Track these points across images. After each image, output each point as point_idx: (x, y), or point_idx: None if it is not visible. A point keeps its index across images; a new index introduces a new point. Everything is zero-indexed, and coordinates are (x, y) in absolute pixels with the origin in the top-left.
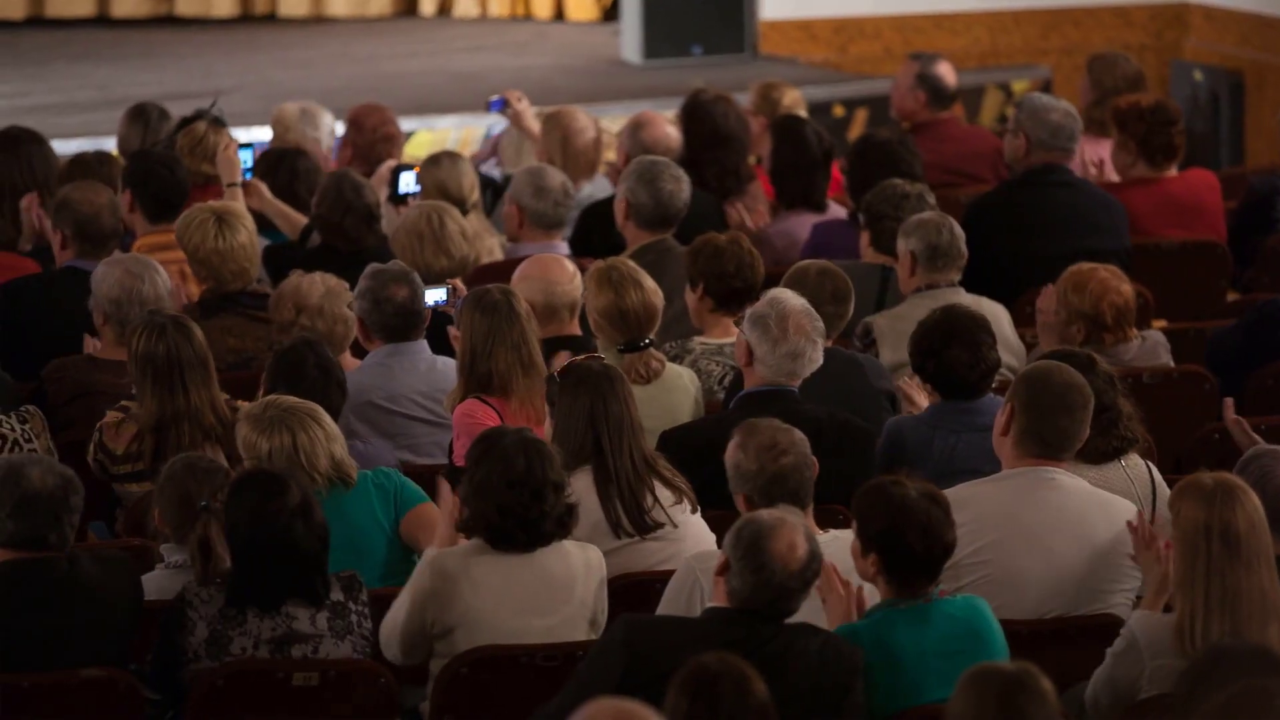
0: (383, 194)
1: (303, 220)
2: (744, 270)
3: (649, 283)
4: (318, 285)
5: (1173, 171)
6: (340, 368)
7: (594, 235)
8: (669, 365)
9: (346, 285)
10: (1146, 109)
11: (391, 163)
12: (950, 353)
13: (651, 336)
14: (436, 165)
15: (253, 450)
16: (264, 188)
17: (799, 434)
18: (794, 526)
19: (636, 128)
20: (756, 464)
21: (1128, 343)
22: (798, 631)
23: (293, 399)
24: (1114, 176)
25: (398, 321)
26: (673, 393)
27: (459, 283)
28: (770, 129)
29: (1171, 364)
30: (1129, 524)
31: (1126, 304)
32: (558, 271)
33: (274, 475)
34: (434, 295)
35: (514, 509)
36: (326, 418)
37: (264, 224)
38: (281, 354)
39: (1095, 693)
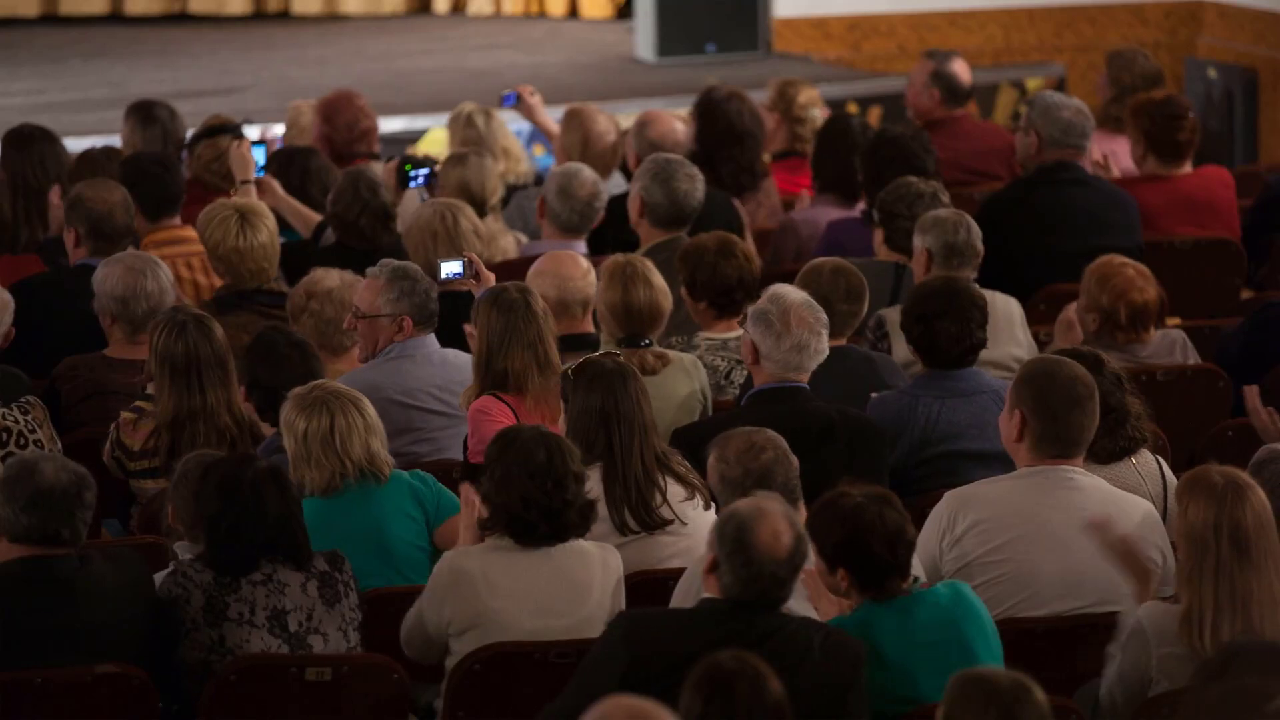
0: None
1: (316, 217)
2: (745, 279)
3: (659, 283)
4: (333, 275)
5: (1187, 168)
6: (311, 345)
7: (607, 230)
8: (671, 356)
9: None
10: (1155, 105)
11: (395, 161)
12: (940, 323)
13: (652, 337)
14: (462, 163)
15: (290, 428)
16: (276, 185)
17: (773, 433)
18: (776, 514)
19: (643, 126)
20: (739, 468)
21: (1137, 344)
22: (801, 625)
23: (341, 385)
24: (1120, 171)
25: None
26: (674, 375)
27: (475, 256)
28: (821, 129)
29: (1192, 361)
30: (1089, 523)
31: (1146, 305)
32: (571, 267)
33: (238, 456)
34: (450, 268)
35: (537, 499)
36: (370, 409)
37: (279, 223)
38: (252, 344)
39: (1109, 691)
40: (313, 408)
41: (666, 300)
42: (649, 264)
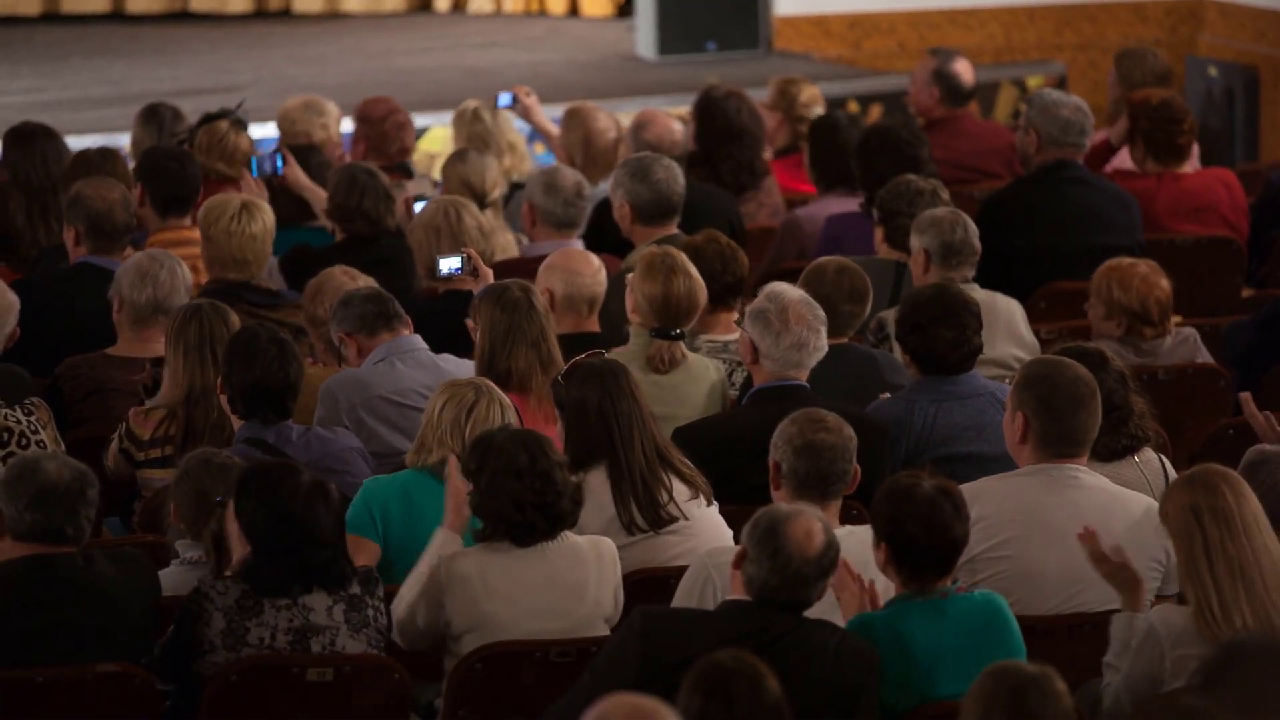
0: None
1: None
2: (731, 265)
3: (696, 275)
4: (360, 284)
5: (1187, 167)
6: (294, 345)
7: (606, 228)
8: (692, 355)
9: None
10: (1153, 107)
11: (406, 197)
12: (936, 330)
13: (684, 329)
14: (463, 160)
15: (431, 404)
16: (299, 171)
17: (851, 431)
18: (810, 516)
19: (639, 128)
20: (797, 428)
21: (1163, 338)
22: (815, 627)
23: (495, 386)
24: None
25: (369, 308)
26: (697, 382)
27: (474, 252)
28: (809, 131)
29: (1208, 360)
30: (1079, 535)
31: (1168, 299)
32: (583, 264)
33: (280, 464)
34: (449, 264)
35: (528, 497)
36: (514, 418)
37: (289, 220)
38: (235, 335)
39: (1116, 698)
40: (459, 390)
41: (703, 291)
42: (684, 255)
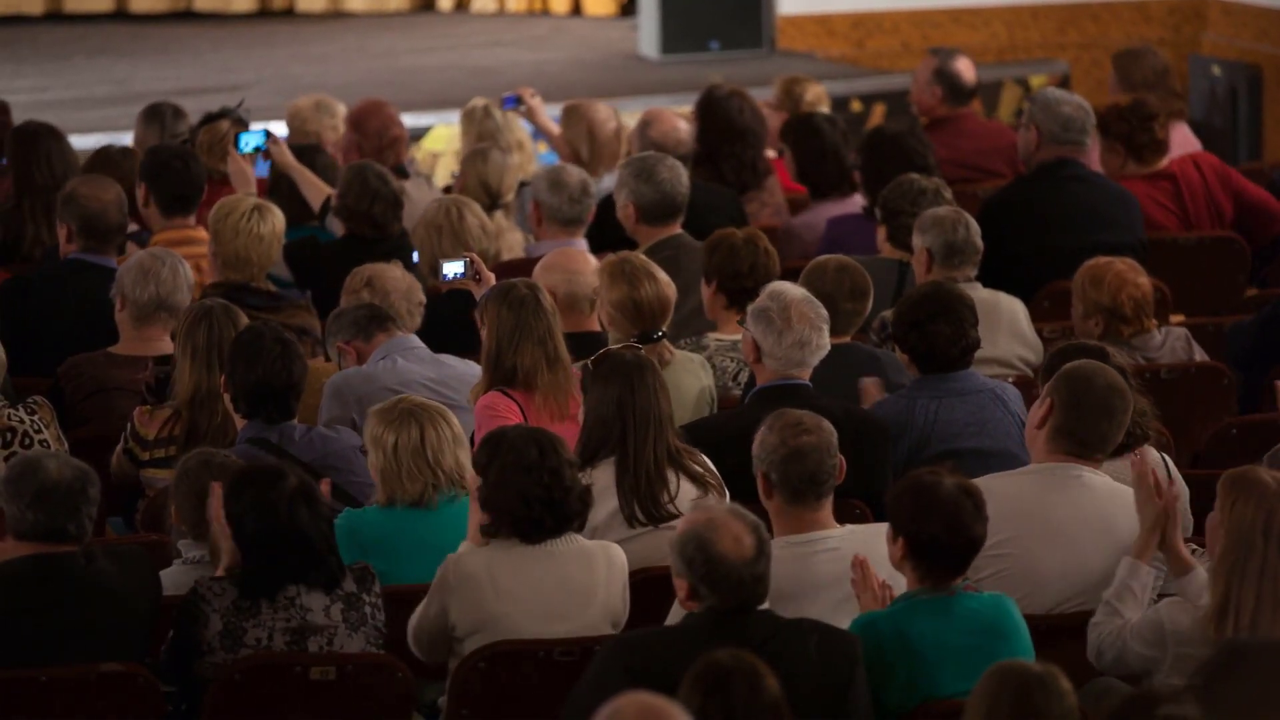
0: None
1: (326, 187)
2: (757, 270)
3: (661, 275)
4: (402, 280)
5: (1163, 163)
6: (298, 344)
7: (609, 225)
8: (680, 353)
9: (420, 289)
10: (1126, 109)
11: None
12: (934, 326)
13: (664, 329)
14: (485, 160)
15: (379, 443)
16: (286, 150)
17: (829, 424)
18: (727, 518)
19: (645, 126)
20: (778, 438)
21: (1146, 334)
22: (793, 628)
23: (425, 399)
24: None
25: (361, 313)
26: (682, 375)
27: (476, 256)
28: (782, 135)
29: (1201, 358)
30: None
31: (1144, 296)
32: (581, 263)
33: (268, 468)
34: (452, 268)
35: (536, 492)
36: (456, 422)
37: (291, 220)
38: (238, 334)
39: (1115, 646)
40: (401, 421)
41: (671, 290)
42: (645, 258)
